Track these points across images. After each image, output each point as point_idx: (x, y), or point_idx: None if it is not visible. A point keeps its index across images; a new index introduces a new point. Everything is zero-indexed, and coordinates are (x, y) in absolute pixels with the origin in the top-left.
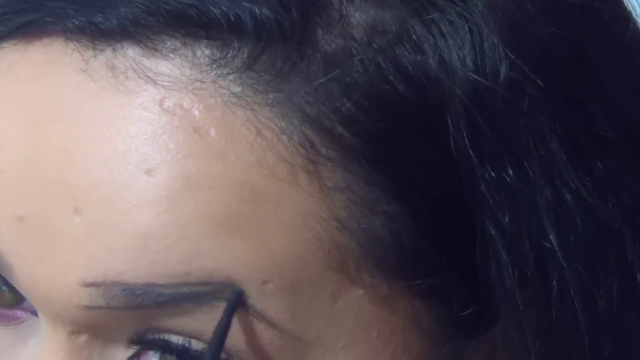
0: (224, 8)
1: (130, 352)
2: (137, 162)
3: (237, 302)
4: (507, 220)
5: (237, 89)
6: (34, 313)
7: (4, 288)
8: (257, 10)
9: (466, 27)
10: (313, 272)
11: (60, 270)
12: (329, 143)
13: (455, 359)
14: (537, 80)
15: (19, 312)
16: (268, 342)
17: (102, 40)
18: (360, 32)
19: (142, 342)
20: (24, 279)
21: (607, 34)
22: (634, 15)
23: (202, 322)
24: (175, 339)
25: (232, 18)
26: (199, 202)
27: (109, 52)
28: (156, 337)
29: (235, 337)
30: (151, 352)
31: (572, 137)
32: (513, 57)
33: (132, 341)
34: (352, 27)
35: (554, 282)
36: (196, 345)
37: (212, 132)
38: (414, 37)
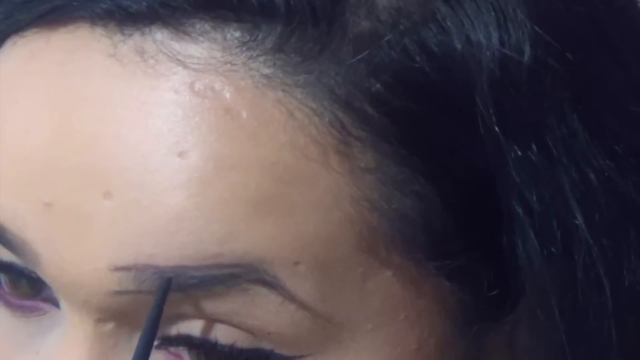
0: None
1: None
2: (169, 145)
3: (167, 289)
4: (534, 199)
5: (268, 71)
6: (55, 305)
7: (23, 280)
8: None
9: (490, 6)
10: (344, 253)
11: (89, 255)
12: (359, 123)
13: (478, 341)
14: (565, 55)
15: (40, 304)
16: (298, 324)
17: (130, 24)
18: (385, 14)
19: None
20: (51, 266)
21: (623, 14)
22: None
23: (233, 305)
24: (197, 331)
25: (265, 1)
26: (231, 183)
27: (137, 36)
28: (180, 332)
29: (265, 320)
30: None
31: (594, 114)
32: (540, 33)
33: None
34: (378, 9)
35: (581, 260)
36: (222, 336)
37: (244, 114)
38: (439, 17)
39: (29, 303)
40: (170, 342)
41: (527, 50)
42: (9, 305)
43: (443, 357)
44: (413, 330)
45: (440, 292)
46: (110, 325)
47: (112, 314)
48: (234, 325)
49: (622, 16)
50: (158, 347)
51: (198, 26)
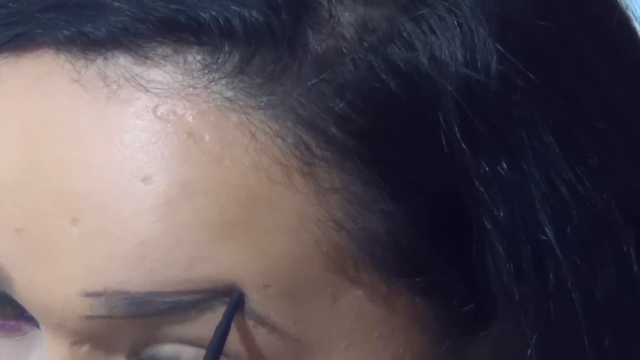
0: (213, 13)
1: None
2: (133, 170)
3: (238, 304)
4: (502, 214)
5: (230, 93)
6: (37, 325)
7: (5, 301)
8: (246, 14)
9: (455, 23)
10: (312, 274)
11: (59, 280)
12: (324, 144)
13: (457, 355)
14: (528, 73)
15: (22, 324)
16: (270, 347)
17: (93, 50)
18: (350, 31)
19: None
20: (24, 290)
21: (596, 25)
22: (622, 6)
23: (204, 330)
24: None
25: (222, 22)
26: (196, 208)
27: (100, 61)
28: (155, 348)
29: (237, 342)
30: None
31: (565, 129)
32: (503, 50)
33: (133, 352)
34: (343, 26)
35: (551, 275)
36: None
37: (207, 137)
38: (405, 34)
39: (11, 323)
40: None
41: (493, 67)
42: None
43: None
44: (388, 347)
45: (414, 308)
46: (85, 348)
47: (86, 336)
48: (205, 349)
49: (595, 28)
50: None
51: (159, 50)
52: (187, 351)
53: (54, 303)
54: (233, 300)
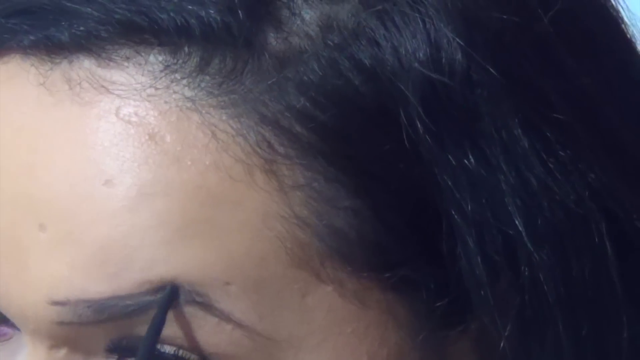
0: (171, 14)
1: None
2: (95, 174)
3: (172, 297)
4: (471, 207)
5: (191, 93)
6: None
7: None
8: (203, 14)
9: (419, 19)
10: (277, 271)
11: (29, 288)
12: (286, 141)
13: (437, 349)
14: (490, 69)
15: (5, 329)
16: (238, 344)
17: (57, 53)
18: (314, 29)
19: (118, 350)
20: (1, 296)
21: (565, 16)
22: None
23: (171, 329)
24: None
25: (179, 23)
26: (156, 210)
27: (65, 64)
28: (131, 344)
29: (205, 341)
30: None
31: (534, 122)
32: (467, 46)
33: (109, 350)
34: (306, 24)
35: (524, 267)
36: (168, 349)
37: (168, 138)
38: (368, 30)
39: None
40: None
41: (457, 62)
42: None
43: None
44: (362, 343)
45: (387, 303)
46: (63, 351)
47: (62, 341)
48: (177, 346)
49: (566, 21)
50: None
51: (122, 52)
52: (165, 348)
53: (26, 310)
54: (166, 294)
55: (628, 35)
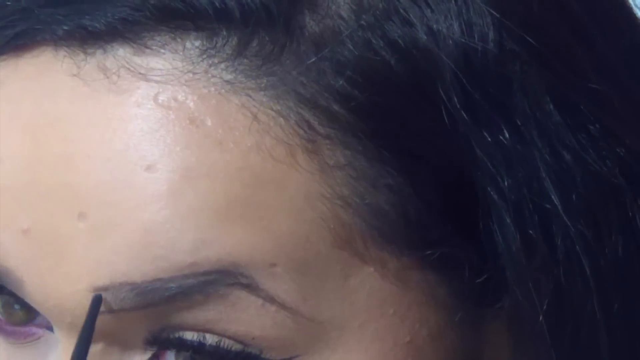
0: None
1: (148, 354)
2: (136, 160)
3: (97, 305)
4: (507, 183)
5: (230, 77)
6: (49, 328)
7: (16, 307)
8: None
9: None
10: (320, 252)
11: (69, 278)
12: (326, 121)
13: (475, 327)
14: (527, 38)
15: (33, 329)
16: (282, 325)
17: (91, 43)
18: (347, 10)
19: (158, 343)
20: (35, 291)
21: None
22: None
23: (214, 313)
24: (190, 335)
25: (218, 6)
26: (200, 192)
27: (99, 54)
28: (170, 336)
29: (249, 323)
30: (168, 352)
31: (566, 96)
32: (500, 18)
33: (148, 342)
34: (339, 5)
35: (560, 242)
36: (210, 339)
37: (208, 122)
38: (401, 9)
39: (23, 329)
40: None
41: (491, 37)
42: (3, 332)
43: (437, 346)
44: (404, 323)
45: (427, 283)
46: (99, 346)
47: (99, 334)
48: (218, 334)
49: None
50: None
51: (158, 39)
52: (209, 337)
53: (65, 302)
54: (95, 300)
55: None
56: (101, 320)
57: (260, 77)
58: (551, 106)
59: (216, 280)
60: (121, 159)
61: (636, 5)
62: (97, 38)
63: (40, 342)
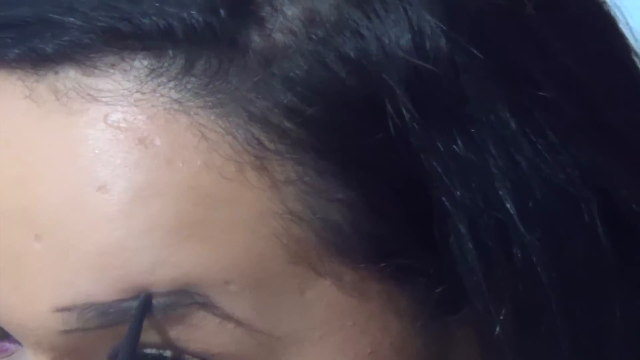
0: (153, 18)
1: None
2: (88, 181)
3: (145, 306)
4: (460, 193)
5: (178, 95)
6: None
7: None
8: (185, 15)
9: (400, 7)
10: (275, 268)
11: (30, 298)
12: (276, 137)
13: (439, 337)
14: (474, 51)
15: (7, 344)
16: (240, 342)
17: (43, 65)
18: (297, 25)
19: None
20: (0, 311)
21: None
22: None
23: (174, 332)
24: (150, 351)
25: (162, 26)
26: (151, 212)
27: (51, 75)
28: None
29: (207, 341)
30: None
31: (521, 103)
32: (449, 31)
33: (111, 357)
34: (288, 20)
35: (516, 251)
36: (170, 353)
37: (157, 141)
38: (351, 22)
39: None
40: None
41: (442, 47)
42: None
43: (401, 356)
44: (364, 334)
45: (387, 293)
46: None
47: (65, 351)
48: (179, 350)
49: (548, 2)
50: None
51: (106, 60)
52: (167, 353)
53: (28, 321)
54: (141, 302)
55: (612, 16)
56: (65, 339)
57: (208, 95)
58: (507, 114)
59: (173, 302)
60: (74, 180)
61: (636, 40)
62: (48, 60)
63: (13, 357)
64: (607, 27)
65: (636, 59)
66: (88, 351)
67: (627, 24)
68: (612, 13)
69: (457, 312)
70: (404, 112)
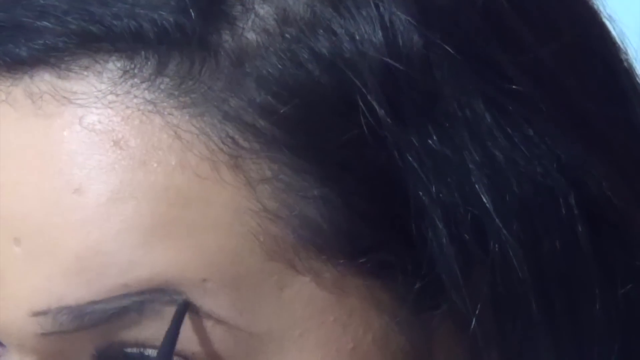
0: (124, 20)
1: None
2: (64, 184)
3: (184, 311)
4: (436, 188)
5: (152, 96)
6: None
7: None
8: (156, 17)
9: (372, 4)
10: (252, 265)
11: (9, 302)
12: (251, 136)
13: (422, 331)
14: (446, 47)
15: None
16: (219, 340)
17: (18, 70)
18: (270, 23)
19: (103, 359)
20: None
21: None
22: None
23: (152, 331)
24: (131, 350)
25: (133, 28)
26: (126, 214)
27: (26, 79)
28: (114, 352)
29: (186, 339)
30: None
31: (496, 97)
32: (420, 27)
33: (94, 359)
34: (261, 19)
35: (493, 245)
36: (152, 352)
37: (132, 142)
38: (324, 20)
39: None
40: None
41: (414, 43)
42: None
43: (384, 351)
44: (346, 330)
45: (367, 289)
46: None
47: (47, 353)
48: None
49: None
50: None
51: (80, 62)
52: (149, 352)
53: (9, 325)
54: (180, 306)
55: (592, 7)
56: (45, 341)
57: (181, 96)
58: (482, 108)
59: (148, 300)
60: (50, 183)
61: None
62: (23, 64)
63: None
64: (586, 19)
65: (621, 54)
66: (71, 352)
67: (610, 16)
68: (593, 5)
69: (438, 307)
70: (378, 108)
